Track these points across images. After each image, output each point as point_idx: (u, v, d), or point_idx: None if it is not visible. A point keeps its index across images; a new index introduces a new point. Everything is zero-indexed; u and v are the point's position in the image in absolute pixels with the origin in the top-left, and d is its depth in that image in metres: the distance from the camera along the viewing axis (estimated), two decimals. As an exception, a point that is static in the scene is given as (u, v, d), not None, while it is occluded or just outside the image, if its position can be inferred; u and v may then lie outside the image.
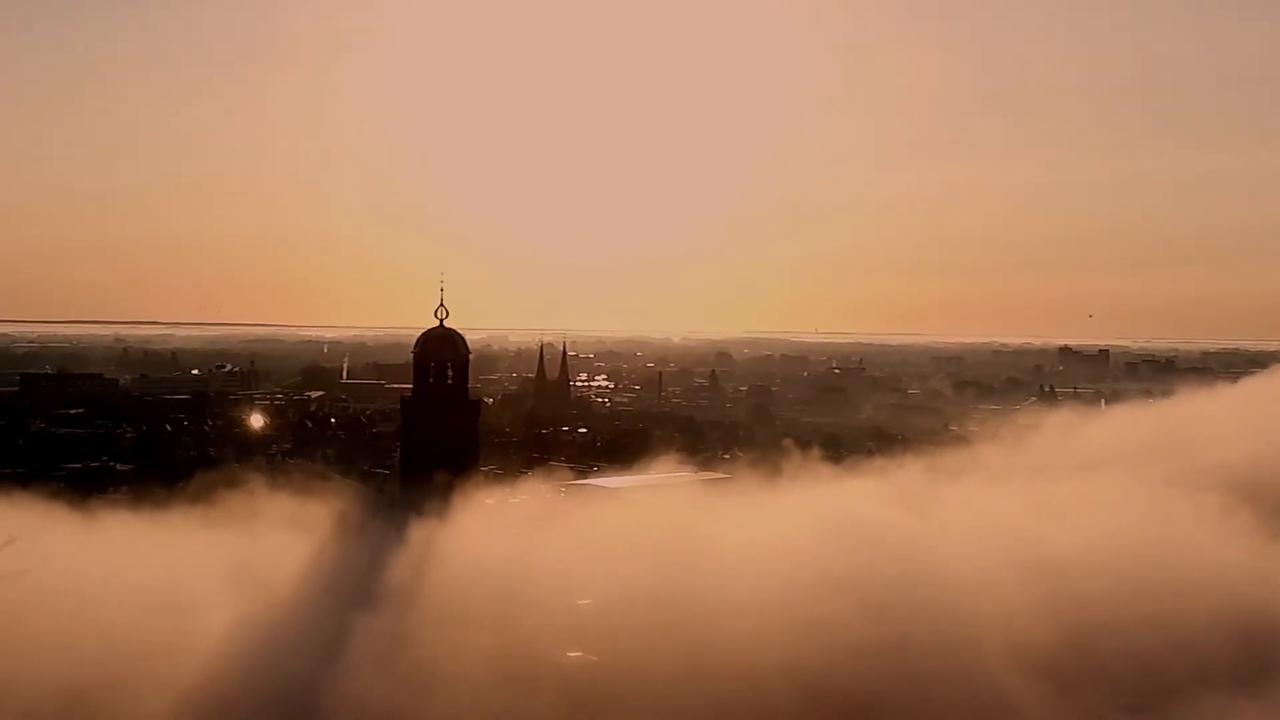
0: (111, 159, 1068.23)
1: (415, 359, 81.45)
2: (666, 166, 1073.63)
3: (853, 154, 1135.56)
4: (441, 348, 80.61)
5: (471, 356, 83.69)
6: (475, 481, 76.22)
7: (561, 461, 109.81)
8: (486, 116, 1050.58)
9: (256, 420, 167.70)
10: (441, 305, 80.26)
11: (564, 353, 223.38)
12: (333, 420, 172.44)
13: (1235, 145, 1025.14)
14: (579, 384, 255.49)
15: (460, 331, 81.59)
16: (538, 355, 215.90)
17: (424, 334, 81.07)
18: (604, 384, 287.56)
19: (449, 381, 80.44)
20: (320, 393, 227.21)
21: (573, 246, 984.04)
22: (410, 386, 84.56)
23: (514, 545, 65.36)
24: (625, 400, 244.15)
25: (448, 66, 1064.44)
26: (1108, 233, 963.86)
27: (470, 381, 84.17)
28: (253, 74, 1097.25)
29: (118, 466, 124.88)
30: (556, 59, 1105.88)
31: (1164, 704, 54.40)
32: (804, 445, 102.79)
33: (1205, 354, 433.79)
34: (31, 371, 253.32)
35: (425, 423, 79.07)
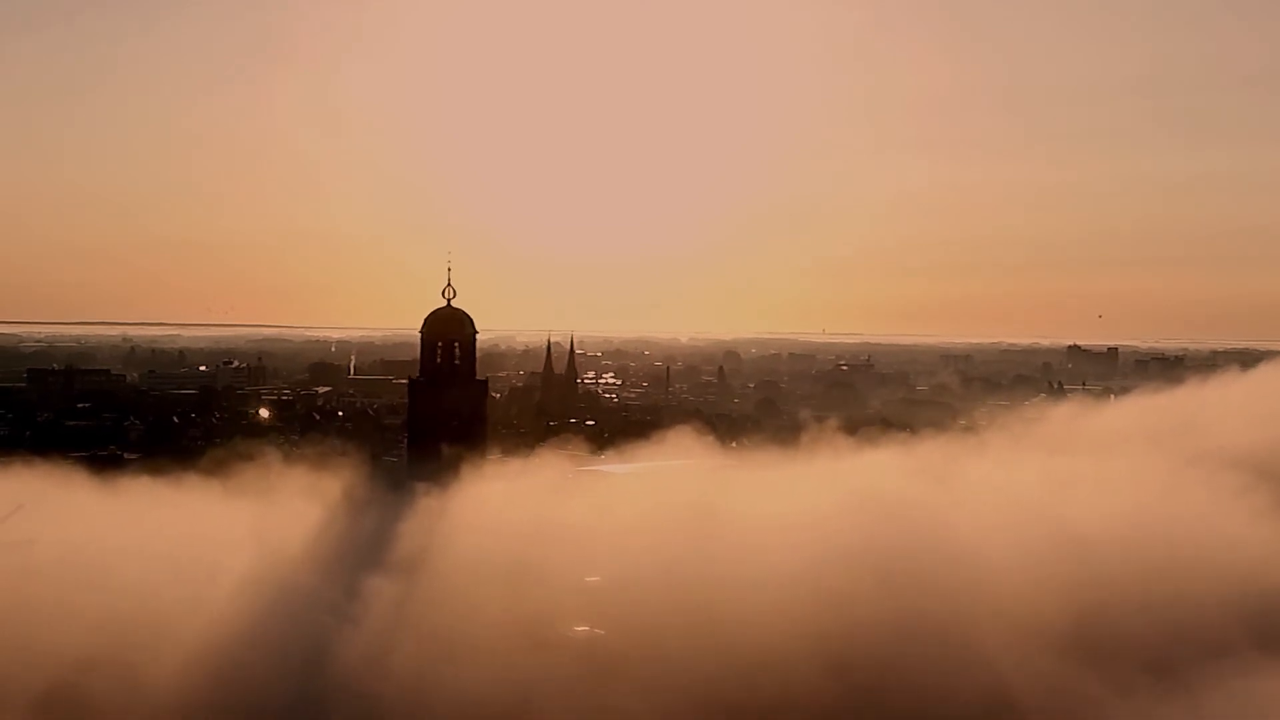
0: (117, 160, 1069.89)
1: (422, 338, 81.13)
2: (673, 168, 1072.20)
3: (859, 154, 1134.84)
4: (449, 326, 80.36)
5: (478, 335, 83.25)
6: (482, 459, 75.79)
7: (570, 450, 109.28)
8: (495, 117, 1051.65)
9: (264, 413, 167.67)
10: (449, 285, 80.00)
11: (571, 348, 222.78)
12: (340, 413, 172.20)
13: (1245, 144, 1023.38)
14: (586, 381, 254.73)
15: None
16: (545, 352, 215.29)
17: (431, 313, 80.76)
18: (611, 381, 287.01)
19: (456, 360, 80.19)
20: (328, 388, 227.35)
21: (580, 248, 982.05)
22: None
23: (521, 521, 64.91)
24: (633, 395, 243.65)
25: (456, 67, 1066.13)
26: (1117, 233, 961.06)
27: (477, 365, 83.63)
28: (260, 74, 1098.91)
29: (125, 455, 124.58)
30: (564, 60, 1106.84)
31: (1179, 679, 53.73)
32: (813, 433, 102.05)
33: (1214, 353, 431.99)
34: (39, 368, 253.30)
35: (432, 400, 78.84)
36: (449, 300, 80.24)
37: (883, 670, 52.26)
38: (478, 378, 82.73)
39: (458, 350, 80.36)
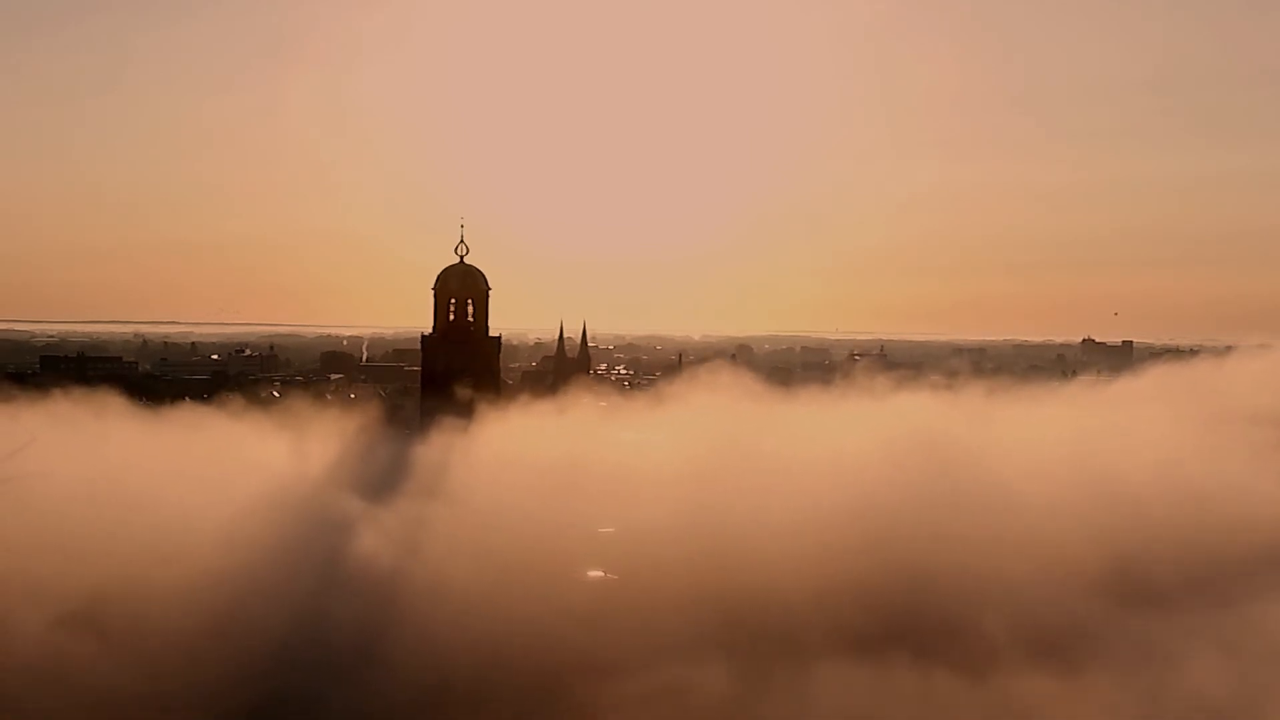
0: (126, 160, 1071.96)
1: (435, 294, 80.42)
2: (683, 167, 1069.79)
3: (872, 154, 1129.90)
4: (462, 282, 79.62)
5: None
6: (495, 414, 75.00)
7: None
8: (507, 117, 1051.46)
9: (277, 396, 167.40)
10: (462, 242, 79.26)
11: (584, 335, 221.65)
12: (353, 396, 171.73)
13: (1262, 143, 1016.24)
14: (599, 371, 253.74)
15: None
16: (557, 342, 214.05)
17: (444, 269, 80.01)
18: (624, 372, 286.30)
19: (469, 317, 79.32)
20: (340, 376, 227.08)
21: (591, 246, 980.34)
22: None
23: (532, 471, 64.34)
24: (645, 382, 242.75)
25: (468, 67, 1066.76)
26: (1131, 232, 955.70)
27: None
28: (271, 74, 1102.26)
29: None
30: (575, 61, 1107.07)
31: (1213, 615, 52.82)
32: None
33: (1229, 348, 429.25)
34: (52, 355, 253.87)
35: (445, 357, 78.00)
36: (462, 257, 79.51)
37: (917, 606, 51.49)
38: (490, 335, 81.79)
39: (471, 306, 79.51)
